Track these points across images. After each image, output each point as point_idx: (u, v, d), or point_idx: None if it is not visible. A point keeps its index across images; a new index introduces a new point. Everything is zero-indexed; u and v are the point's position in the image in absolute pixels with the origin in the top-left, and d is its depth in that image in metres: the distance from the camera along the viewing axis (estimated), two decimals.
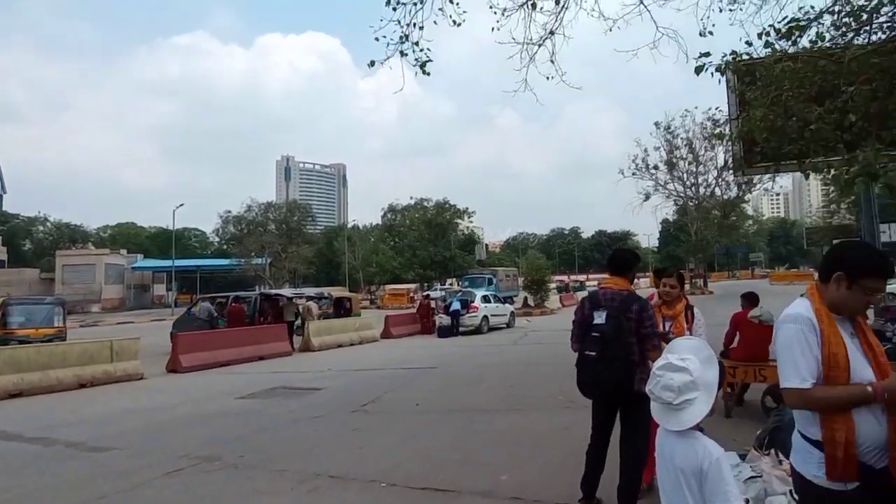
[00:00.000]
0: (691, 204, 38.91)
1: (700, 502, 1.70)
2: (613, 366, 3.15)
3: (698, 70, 6.50)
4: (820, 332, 1.77)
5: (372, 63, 6.94)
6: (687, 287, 3.87)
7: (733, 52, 6.56)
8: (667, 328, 3.72)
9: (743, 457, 3.38)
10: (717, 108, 10.39)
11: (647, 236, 78.16)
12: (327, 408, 7.79)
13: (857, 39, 6.12)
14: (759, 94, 6.18)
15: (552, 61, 8.18)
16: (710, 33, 7.37)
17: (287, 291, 23.67)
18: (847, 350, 1.75)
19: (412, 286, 47.79)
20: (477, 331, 19.04)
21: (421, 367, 11.62)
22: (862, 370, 1.75)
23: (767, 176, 32.95)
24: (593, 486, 3.50)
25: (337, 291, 22.30)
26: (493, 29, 7.51)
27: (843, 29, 6.34)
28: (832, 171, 6.99)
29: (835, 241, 1.69)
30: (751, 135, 6.58)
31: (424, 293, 35.15)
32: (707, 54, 6.19)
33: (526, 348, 14.85)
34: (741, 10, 7.95)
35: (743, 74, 8.57)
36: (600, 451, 3.49)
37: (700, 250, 39.79)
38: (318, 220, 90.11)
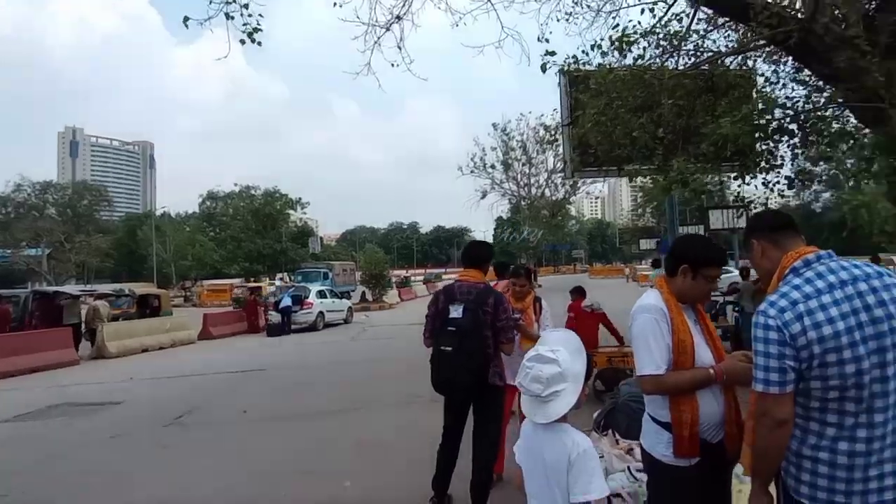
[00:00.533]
0: (524, 203, 42.98)
1: (566, 494, 1.76)
2: (471, 359, 3.22)
3: (543, 68, 7.12)
4: (670, 320, 2.00)
5: (186, 20, 6.00)
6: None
7: (574, 57, 7.32)
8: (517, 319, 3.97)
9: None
10: (553, 110, 11.50)
11: (483, 232, 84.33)
12: (130, 425, 6.71)
13: (671, 61, 7.31)
14: (592, 100, 6.98)
15: (399, 47, 8.20)
16: (547, 40, 8.08)
17: (72, 288, 19.88)
18: (692, 337, 2.01)
19: (236, 281, 44.17)
20: (312, 328, 18.38)
21: (248, 369, 10.75)
22: (704, 354, 2.02)
23: (591, 179, 38.14)
24: (446, 483, 3.55)
25: (142, 288, 19.37)
26: (335, 4, 7.21)
27: (660, 50, 7.51)
28: (647, 178, 8.29)
29: (679, 236, 1.95)
30: (585, 139, 7.41)
31: (251, 288, 32.84)
32: (552, 53, 6.77)
33: (365, 344, 14.77)
34: (576, 23, 8.95)
35: (576, 81, 9.65)
36: (453, 449, 3.55)
37: (531, 247, 44.26)
38: (116, 205, 77.86)
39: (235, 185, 57.37)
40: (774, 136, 6.07)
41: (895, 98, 4.82)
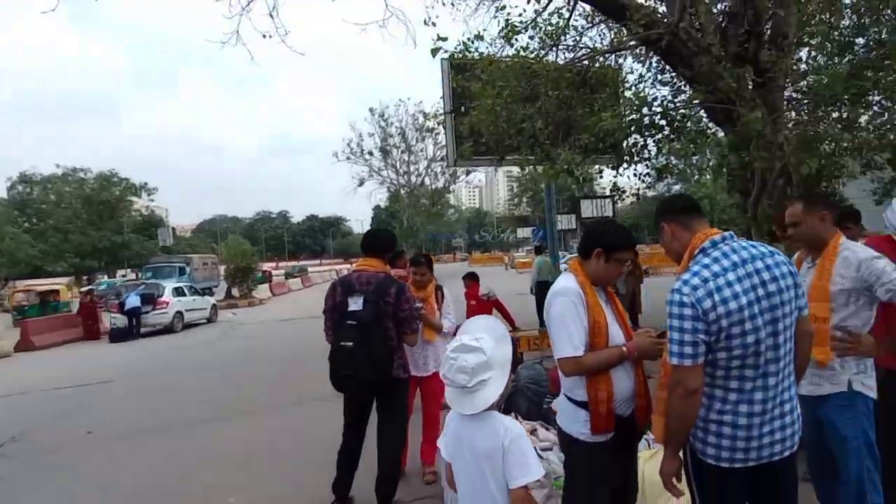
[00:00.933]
0: (403, 192, 43.19)
1: (501, 482, 1.81)
2: (374, 353, 3.17)
3: (434, 52, 7.18)
4: (586, 302, 2.14)
5: None
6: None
7: (464, 44, 7.48)
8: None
9: None
10: (440, 98, 11.64)
11: (361, 222, 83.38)
12: None
13: (551, 55, 7.80)
14: (482, 90, 7.21)
15: (272, 16, 7.76)
16: (434, 24, 8.18)
17: None
18: (606, 317, 2.18)
19: (64, 280, 38.68)
20: (168, 329, 16.85)
21: (88, 383, 9.51)
22: (616, 334, 2.20)
23: (471, 169, 39.44)
24: (347, 485, 3.48)
25: None
26: None
27: (541, 44, 7.98)
28: (530, 168, 8.76)
29: (590, 222, 2.11)
30: (476, 127, 7.63)
31: (85, 289, 29.05)
32: (444, 38, 6.85)
33: (234, 344, 13.88)
34: (460, 9, 9.18)
35: (462, 69, 9.90)
36: (355, 449, 3.49)
37: (411, 236, 44.67)
38: None
39: (58, 167, 49.96)
40: (646, 132, 6.77)
41: (744, 101, 5.63)
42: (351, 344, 3.18)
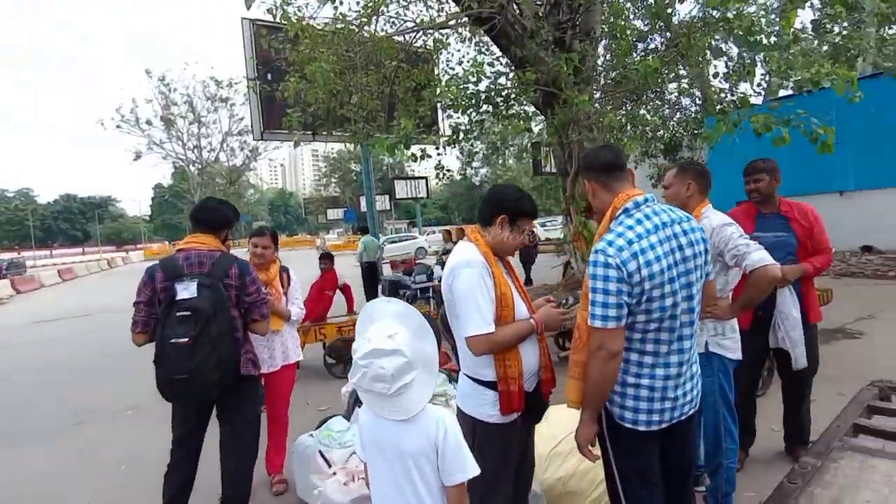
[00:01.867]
0: (193, 168, 38.92)
1: (432, 482, 1.63)
2: (217, 349, 2.63)
3: (248, 4, 6.43)
4: (492, 273, 2.04)
5: None
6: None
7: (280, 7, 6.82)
8: None
9: (347, 418, 3.64)
10: (233, 64, 10.58)
11: (138, 202, 72.93)
12: None
13: (371, 25, 7.55)
14: (311, 54, 6.68)
15: None
16: None
17: None
18: (511, 289, 2.10)
19: None
20: None
21: None
22: (520, 306, 2.12)
23: (273, 145, 37.10)
24: (187, 490, 2.93)
25: None
26: None
27: (364, 11, 7.70)
28: (350, 145, 8.46)
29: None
30: (299, 96, 7.05)
31: None
32: None
33: None
34: None
35: (275, 30, 9.12)
36: (190, 466, 2.90)
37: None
38: None
39: None
40: (479, 107, 6.99)
41: (570, 84, 6.16)
42: (185, 340, 2.58)
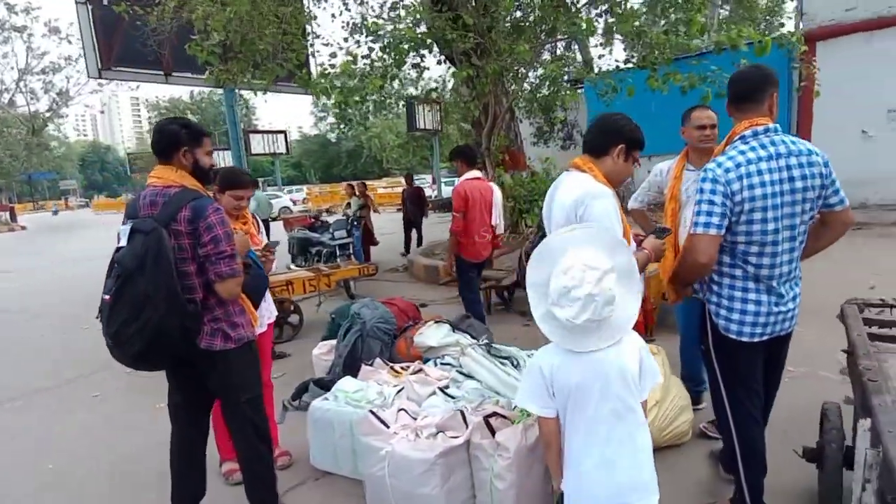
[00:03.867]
0: None
1: (628, 400, 1.56)
2: (145, 314, 2.03)
3: None
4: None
5: None
6: None
7: None
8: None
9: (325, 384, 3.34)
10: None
11: None
12: None
13: None
14: None
15: None
16: None
17: None
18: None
19: None
20: None
21: None
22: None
23: (90, 87, 31.50)
24: (193, 494, 2.50)
25: None
26: None
27: None
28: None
29: (600, 118, 1.88)
30: (202, 22, 6.01)
31: None
32: None
33: None
34: None
35: None
36: (194, 442, 2.47)
37: (3, 175, 33.72)
38: None
39: None
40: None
41: (492, 42, 6.07)
42: (107, 298, 2.07)
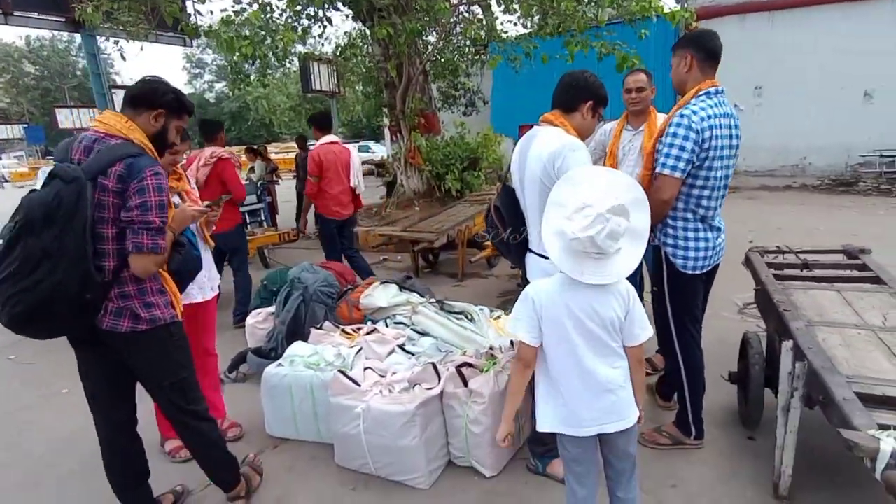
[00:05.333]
0: None
1: (620, 343, 1.70)
2: (32, 276, 1.74)
3: None
4: None
5: None
6: None
7: None
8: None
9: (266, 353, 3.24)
10: None
11: None
12: None
13: None
14: None
15: None
16: None
17: None
18: None
19: None
20: None
21: None
22: None
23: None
24: (135, 474, 2.24)
25: None
26: None
27: None
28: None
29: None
30: None
31: None
32: None
33: None
34: None
35: None
36: (123, 430, 2.18)
37: None
38: None
39: None
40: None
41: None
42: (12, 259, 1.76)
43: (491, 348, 2.70)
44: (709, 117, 2.13)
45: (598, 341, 1.67)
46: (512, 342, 2.73)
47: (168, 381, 2.09)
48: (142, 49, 7.67)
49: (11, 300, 1.72)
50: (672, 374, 2.50)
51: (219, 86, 37.37)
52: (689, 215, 2.29)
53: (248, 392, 3.34)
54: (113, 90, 25.88)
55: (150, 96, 2.00)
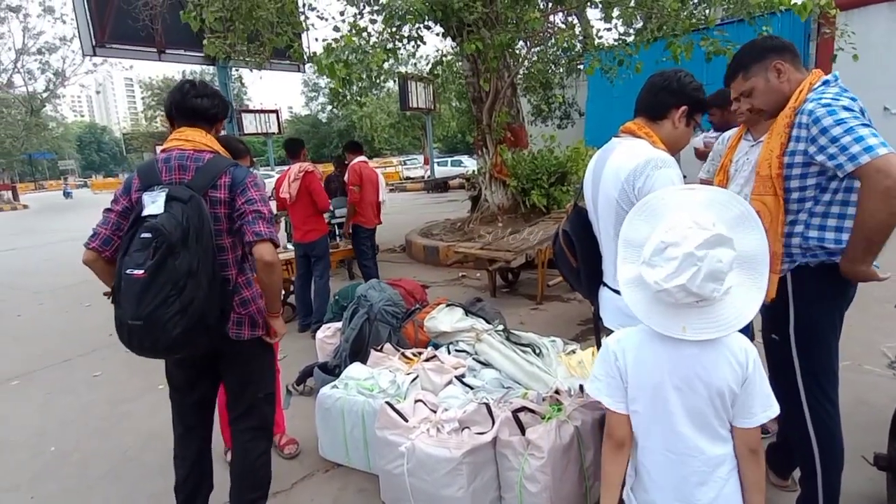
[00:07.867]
0: None
1: (725, 423, 1.26)
2: (186, 292, 1.71)
3: None
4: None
5: None
6: None
7: None
8: None
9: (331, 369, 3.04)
10: None
11: None
12: None
13: None
14: None
15: None
16: None
17: None
18: None
19: None
20: None
21: None
22: None
23: (85, 67, 30.45)
24: (198, 486, 2.15)
25: None
26: None
27: None
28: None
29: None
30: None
31: None
32: None
33: None
34: None
35: None
36: (201, 444, 2.14)
37: (4, 155, 32.83)
38: None
39: None
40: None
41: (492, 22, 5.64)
42: (141, 273, 1.69)
43: (557, 392, 2.27)
44: (853, 99, 1.56)
45: (700, 417, 1.25)
46: (581, 386, 2.31)
47: (264, 391, 2.08)
48: (261, 78, 8.14)
49: (170, 324, 1.69)
50: (798, 447, 1.82)
51: (330, 107, 39.51)
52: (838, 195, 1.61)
53: (312, 408, 3.19)
54: (242, 113, 28.03)
55: (204, 110, 1.98)
